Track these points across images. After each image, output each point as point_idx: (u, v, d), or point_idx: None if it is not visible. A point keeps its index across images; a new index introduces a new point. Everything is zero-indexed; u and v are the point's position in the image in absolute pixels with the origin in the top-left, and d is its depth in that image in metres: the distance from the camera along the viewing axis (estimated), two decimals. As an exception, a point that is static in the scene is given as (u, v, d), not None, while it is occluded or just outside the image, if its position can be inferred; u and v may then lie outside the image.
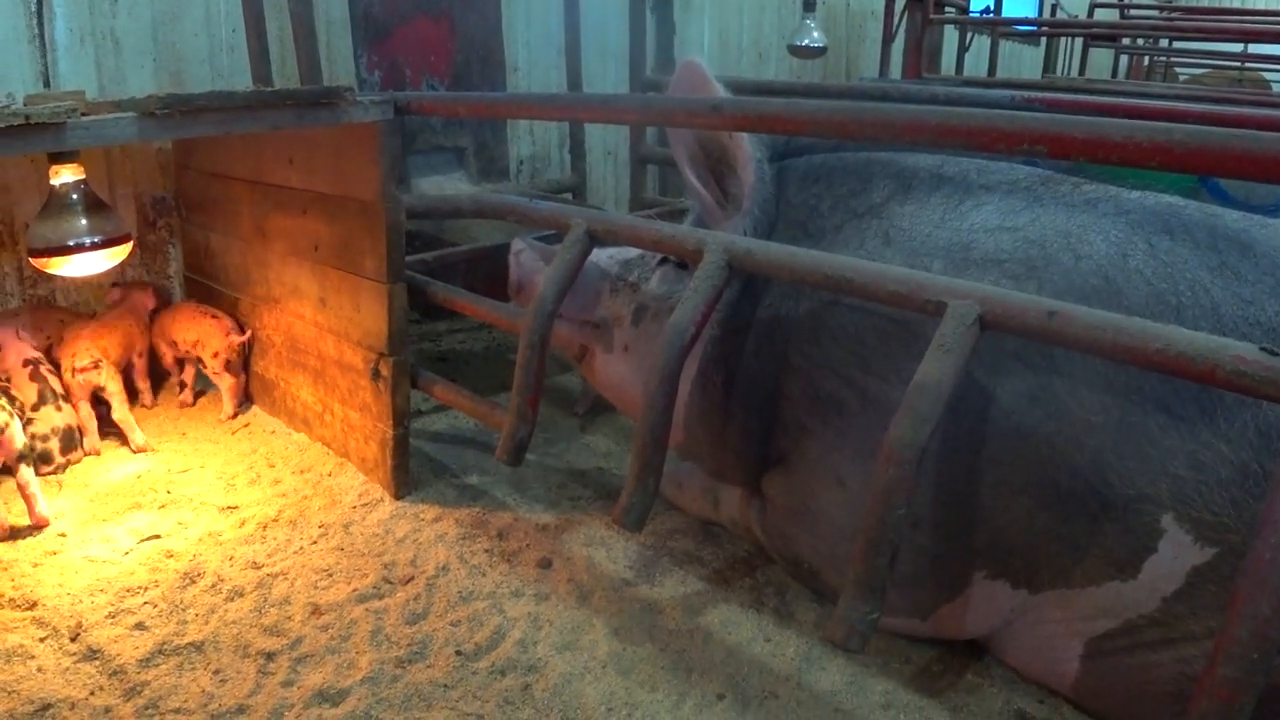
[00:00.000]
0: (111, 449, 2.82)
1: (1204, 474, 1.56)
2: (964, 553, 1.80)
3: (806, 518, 2.02)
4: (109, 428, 2.85)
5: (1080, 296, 1.65)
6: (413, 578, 2.19)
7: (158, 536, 2.34)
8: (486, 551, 2.30)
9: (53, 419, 2.61)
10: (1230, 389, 1.25)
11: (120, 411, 2.82)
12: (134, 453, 2.79)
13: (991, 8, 7.81)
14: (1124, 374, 1.61)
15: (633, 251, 2.37)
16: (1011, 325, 1.42)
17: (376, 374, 2.51)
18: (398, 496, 2.55)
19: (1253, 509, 1.50)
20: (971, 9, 8.12)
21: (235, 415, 3.07)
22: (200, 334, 3.02)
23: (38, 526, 2.35)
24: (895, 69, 6.17)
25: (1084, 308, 1.39)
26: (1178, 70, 10.43)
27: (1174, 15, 8.71)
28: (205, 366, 3.05)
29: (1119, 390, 1.61)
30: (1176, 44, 8.48)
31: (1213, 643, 1.21)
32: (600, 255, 2.39)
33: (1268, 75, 9.44)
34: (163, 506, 2.49)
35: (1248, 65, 8.93)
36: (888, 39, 5.87)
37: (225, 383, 3.04)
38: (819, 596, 2.13)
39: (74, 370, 2.75)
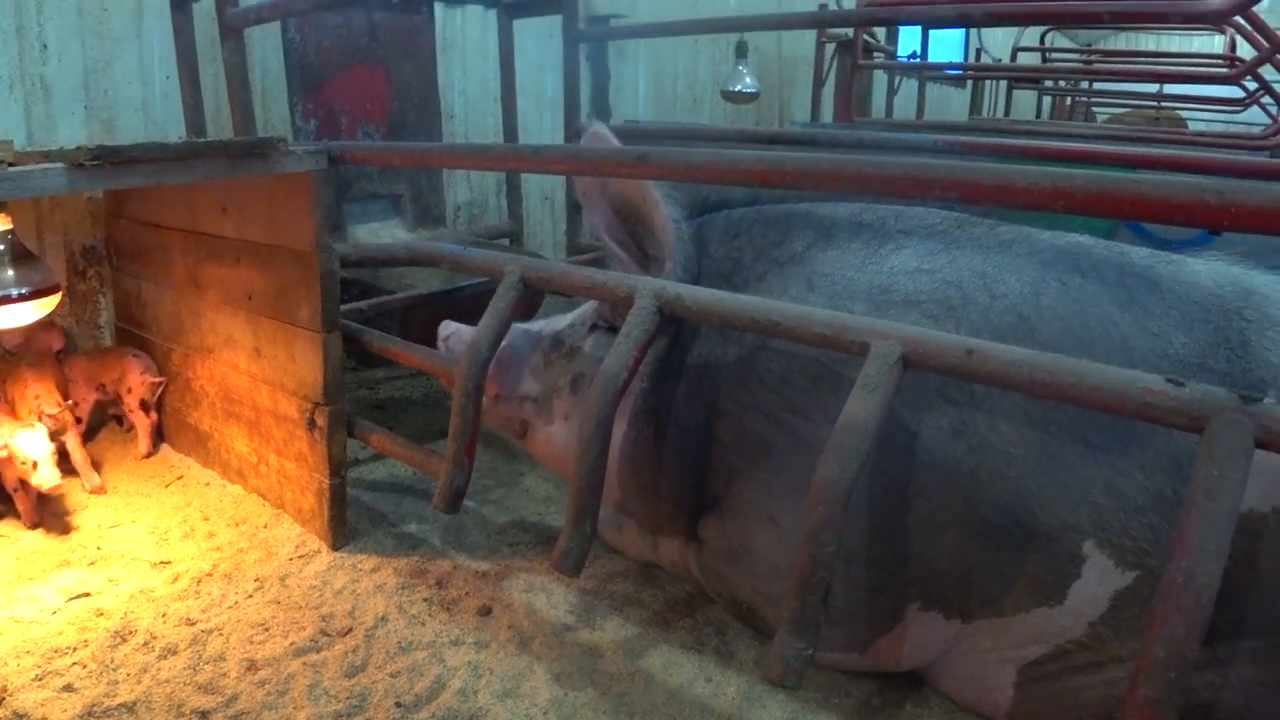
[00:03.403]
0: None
1: (1121, 501, 1.62)
2: (897, 586, 1.84)
3: (742, 558, 2.05)
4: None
5: (997, 334, 1.71)
6: (351, 629, 2.16)
7: (87, 594, 2.28)
8: (426, 600, 2.29)
9: None
10: (1140, 418, 1.31)
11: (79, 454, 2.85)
12: (89, 492, 2.82)
13: (918, 53, 8.04)
14: (1042, 407, 1.66)
15: (562, 321, 2.40)
16: (932, 363, 1.47)
17: (312, 424, 2.49)
18: (335, 547, 2.52)
19: (1168, 533, 1.56)
20: (899, 54, 8.37)
21: (150, 454, 3.09)
22: (122, 370, 3.04)
23: None
24: (827, 112, 6.33)
25: (1001, 345, 1.45)
26: (1096, 110, 10.82)
27: (1092, 59, 9.05)
28: (124, 404, 3.06)
29: (1037, 423, 1.67)
30: (1096, 85, 8.80)
31: (1134, 664, 1.25)
32: (531, 328, 2.42)
33: (1183, 114, 9.83)
34: (92, 563, 2.43)
35: (1164, 105, 9.30)
36: (818, 83, 6.02)
37: (140, 421, 3.07)
38: (760, 635, 2.15)
39: (41, 414, 2.72)
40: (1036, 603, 1.71)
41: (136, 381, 3.01)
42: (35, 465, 2.47)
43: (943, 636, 1.86)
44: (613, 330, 2.23)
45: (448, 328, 2.54)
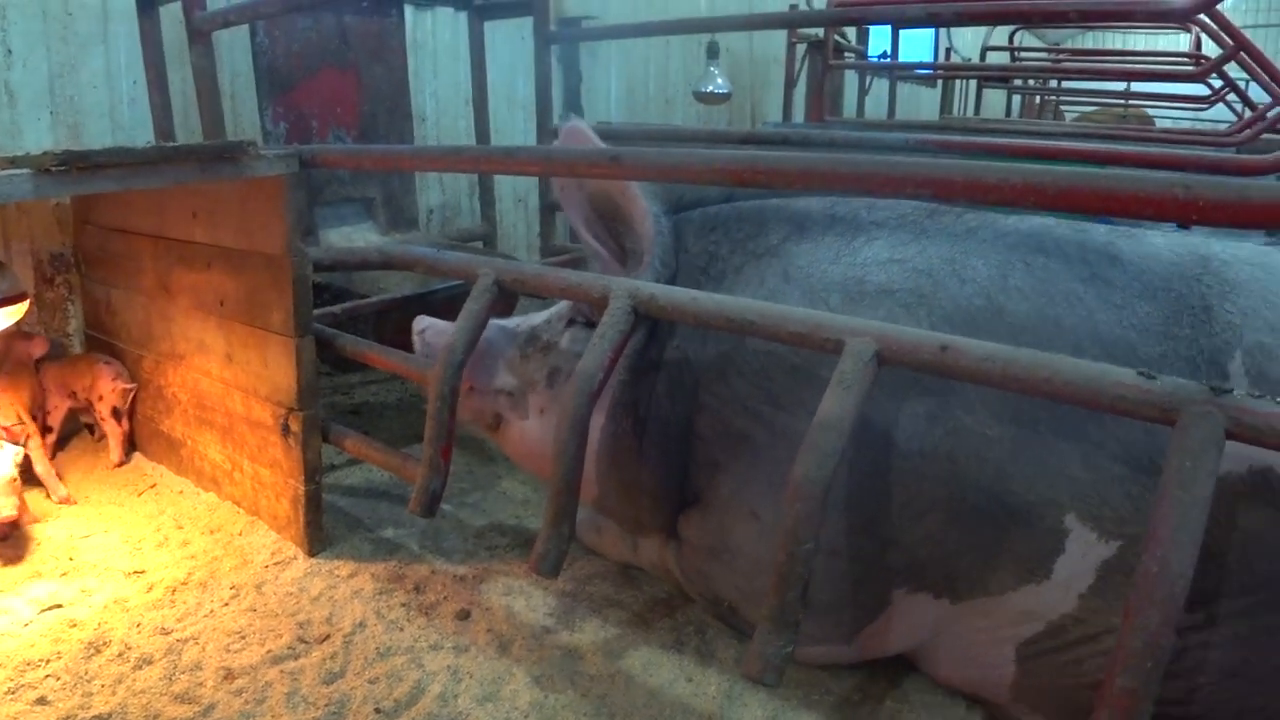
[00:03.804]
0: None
1: (1099, 472, 1.64)
2: (882, 574, 1.85)
3: (723, 555, 2.05)
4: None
5: (968, 317, 1.75)
6: (328, 636, 2.15)
7: (60, 606, 2.25)
8: (404, 605, 2.28)
9: None
10: (1113, 412, 1.33)
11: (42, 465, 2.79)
12: (56, 503, 2.75)
13: (889, 52, 8.09)
14: None
15: (539, 317, 2.40)
16: (907, 360, 1.48)
17: (286, 429, 2.47)
18: (311, 553, 2.50)
19: (1147, 500, 1.58)
20: (870, 54, 8.42)
21: (123, 462, 3.06)
22: (93, 377, 3.01)
23: None
24: (799, 113, 6.36)
25: (975, 341, 1.45)
26: (1065, 108, 10.94)
27: (1061, 57, 9.14)
28: (95, 411, 3.03)
29: (1011, 402, 1.69)
30: (1065, 84, 8.89)
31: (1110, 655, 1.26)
32: (508, 323, 2.42)
33: (1150, 111, 9.95)
34: (65, 574, 2.40)
35: (1131, 102, 9.40)
36: (790, 84, 6.05)
37: (112, 429, 3.04)
38: (739, 634, 2.15)
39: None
40: (1024, 580, 1.73)
41: (108, 388, 2.98)
42: None
43: (931, 618, 1.87)
44: (589, 325, 2.22)
45: (422, 322, 2.52)
